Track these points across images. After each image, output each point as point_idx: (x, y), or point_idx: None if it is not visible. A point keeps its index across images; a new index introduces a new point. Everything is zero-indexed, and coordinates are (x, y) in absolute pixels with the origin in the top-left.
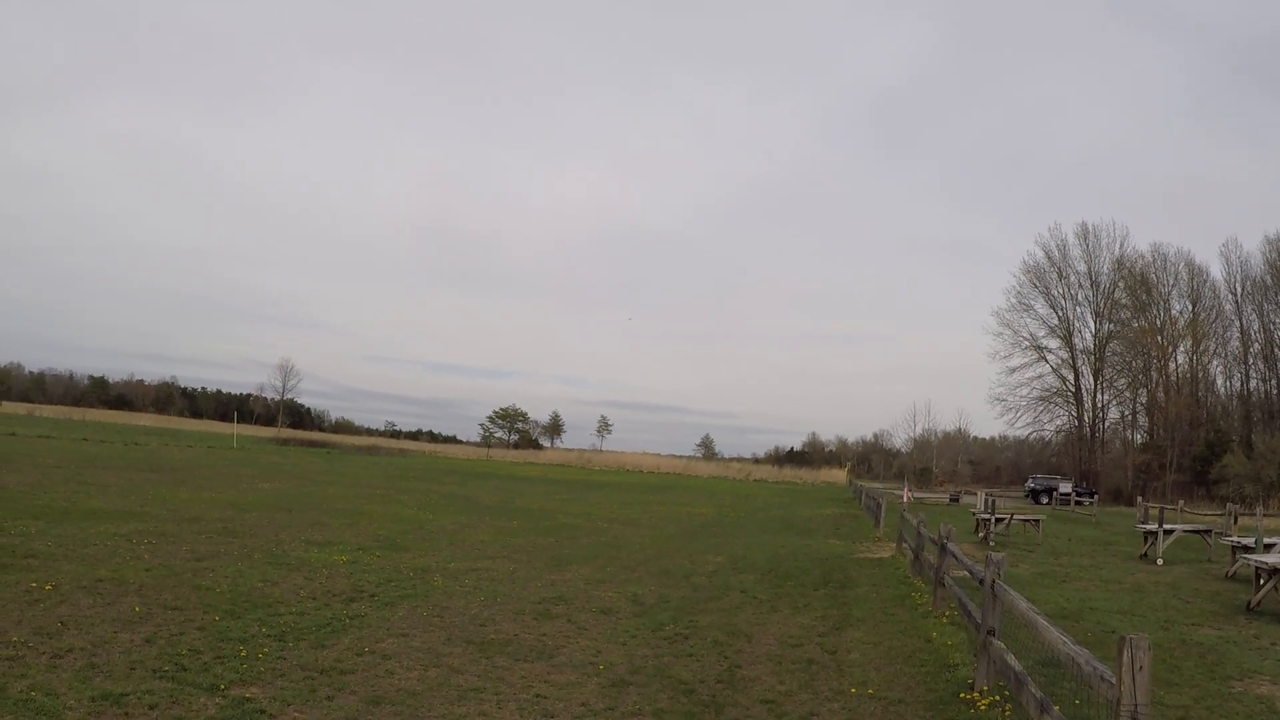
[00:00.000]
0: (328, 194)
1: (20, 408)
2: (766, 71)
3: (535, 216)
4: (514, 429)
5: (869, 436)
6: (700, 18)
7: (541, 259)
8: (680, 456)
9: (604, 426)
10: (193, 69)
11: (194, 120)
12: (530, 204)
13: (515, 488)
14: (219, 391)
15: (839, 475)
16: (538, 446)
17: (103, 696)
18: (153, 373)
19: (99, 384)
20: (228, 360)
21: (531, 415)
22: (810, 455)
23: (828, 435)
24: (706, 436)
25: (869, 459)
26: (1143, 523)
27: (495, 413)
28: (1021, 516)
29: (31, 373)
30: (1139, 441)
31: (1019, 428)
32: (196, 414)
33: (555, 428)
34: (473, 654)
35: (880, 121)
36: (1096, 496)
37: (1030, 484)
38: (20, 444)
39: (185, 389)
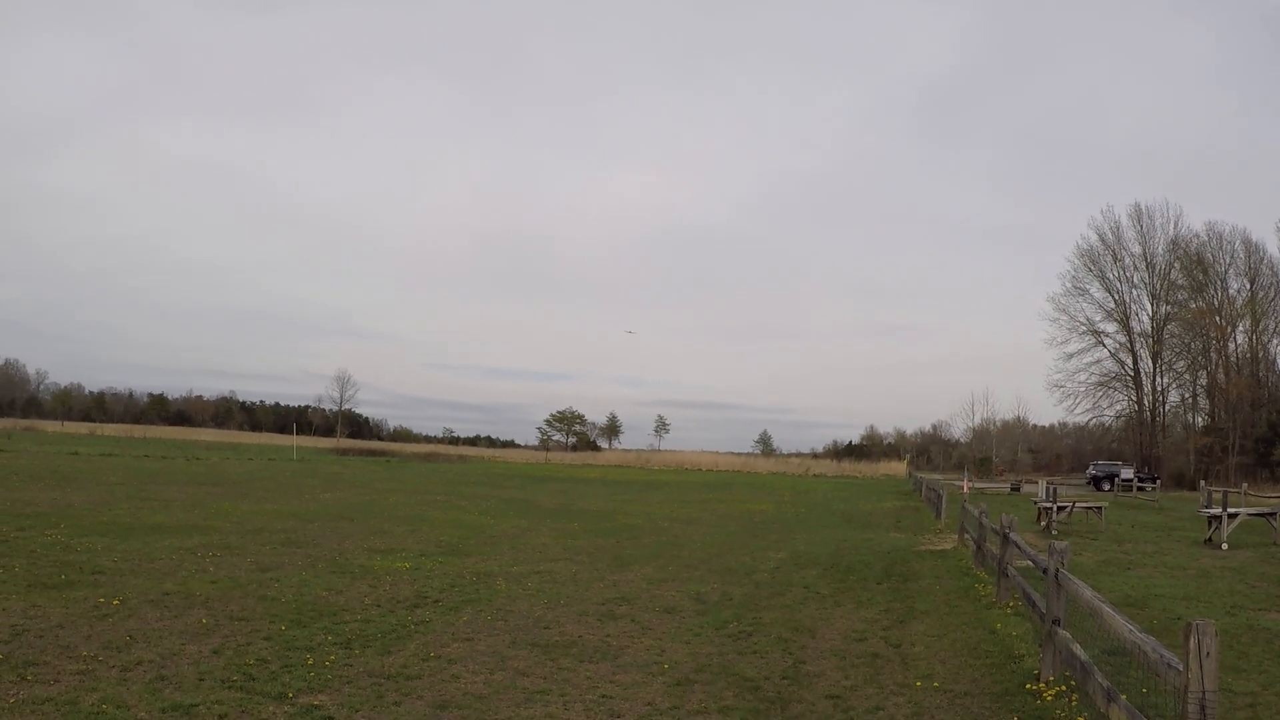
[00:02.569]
0: (381, 205)
1: (82, 427)
2: (812, 65)
3: (588, 219)
4: (572, 432)
5: (927, 428)
6: (743, 14)
7: (595, 261)
8: (738, 454)
9: (661, 426)
10: (243, 88)
11: (246, 138)
12: (583, 207)
13: (575, 490)
14: (277, 404)
15: (898, 468)
16: (596, 448)
17: (173, 708)
18: (211, 388)
19: (159, 401)
20: (285, 373)
21: (589, 417)
22: (869, 448)
23: (886, 428)
24: (764, 433)
25: (928, 450)
26: (1206, 507)
27: (553, 416)
28: (1083, 504)
29: (92, 393)
30: (1200, 424)
31: (1078, 414)
32: (256, 427)
33: (613, 429)
34: (537, 656)
35: (926, 110)
36: (1159, 481)
37: (1091, 471)
38: (84, 463)
39: (244, 403)
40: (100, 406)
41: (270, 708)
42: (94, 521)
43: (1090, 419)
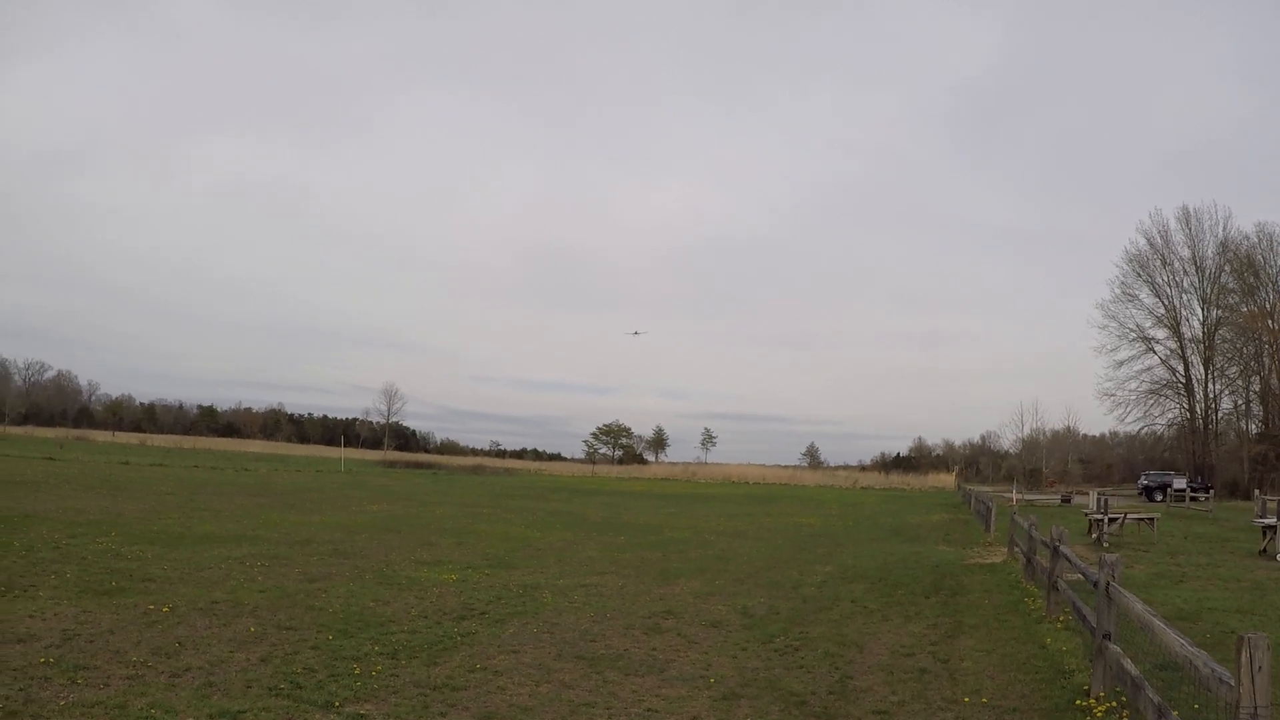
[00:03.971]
0: (426, 219)
1: (133, 438)
2: (851, 73)
3: (631, 230)
4: (618, 445)
5: (976, 439)
6: (782, 24)
7: (639, 272)
8: (785, 466)
9: (708, 439)
10: (288, 104)
11: (292, 154)
12: (626, 218)
13: (621, 503)
14: (325, 417)
15: (947, 479)
16: (642, 461)
17: (220, 714)
18: (260, 400)
19: (208, 413)
20: (333, 386)
21: (635, 430)
22: (917, 460)
23: (934, 439)
24: (811, 445)
25: (977, 462)
26: (1261, 517)
27: (599, 429)
28: (1135, 515)
29: (142, 404)
30: (1254, 431)
31: (1129, 423)
32: (304, 439)
33: (659, 442)
34: (583, 669)
35: (967, 115)
36: (1212, 491)
37: (1143, 481)
38: (134, 472)
39: (292, 415)
40: (150, 418)
41: (317, 716)
42: (144, 530)
43: (1141, 428)
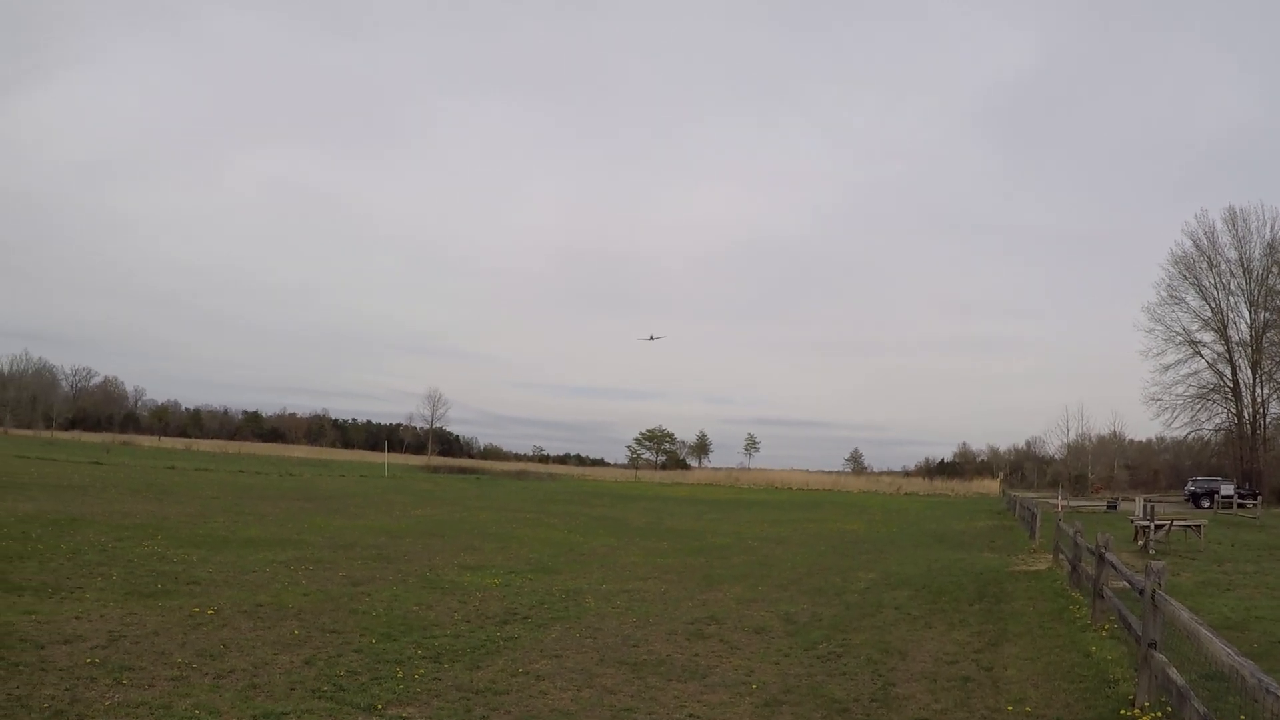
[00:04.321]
0: (468, 226)
1: (179, 443)
2: (893, 74)
3: (673, 235)
4: (661, 450)
5: (1021, 444)
6: (822, 25)
7: (682, 279)
8: (829, 472)
9: (751, 444)
10: (333, 115)
11: (335, 162)
12: (668, 223)
13: (664, 509)
14: (369, 422)
15: (991, 485)
16: (685, 467)
17: (264, 715)
18: (304, 406)
19: (253, 418)
20: (377, 392)
21: (678, 436)
22: (961, 466)
23: (979, 444)
24: (855, 450)
25: (1022, 467)
26: None
27: (642, 434)
28: (1182, 522)
29: (188, 409)
30: None
31: (1176, 428)
32: (348, 444)
33: (702, 447)
34: (626, 674)
35: (1009, 116)
36: (1260, 498)
37: (1190, 487)
38: (180, 477)
39: (336, 421)
40: (196, 423)
41: (359, 718)
42: (190, 534)
43: (1188, 433)
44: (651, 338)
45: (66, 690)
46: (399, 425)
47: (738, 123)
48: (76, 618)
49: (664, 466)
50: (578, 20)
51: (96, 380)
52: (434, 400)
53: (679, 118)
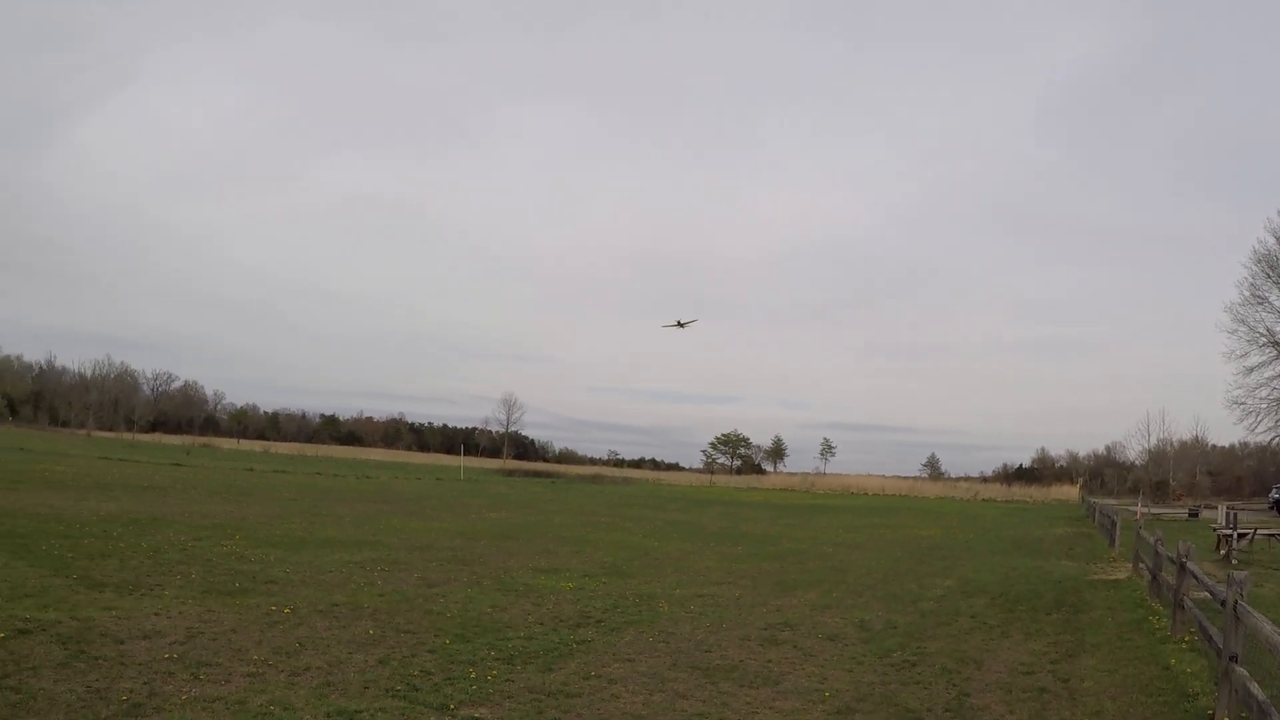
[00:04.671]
0: (543, 231)
1: (257, 445)
2: (966, 73)
3: (745, 238)
4: (736, 454)
5: (1100, 449)
6: (889, 23)
7: (754, 281)
8: (905, 477)
9: (827, 449)
10: (407, 124)
11: (407, 170)
12: (740, 226)
13: (739, 513)
14: (445, 426)
15: (1070, 492)
16: (760, 471)
17: (337, 713)
18: (381, 410)
19: (330, 422)
20: (453, 396)
21: (753, 440)
22: (1040, 472)
23: (1057, 450)
24: (932, 455)
25: (1101, 474)
26: None
27: (717, 439)
28: (1266, 531)
29: (267, 413)
30: None
31: (1260, 433)
32: (424, 448)
33: (778, 452)
34: (698, 679)
35: (1086, 110)
36: None
37: (1274, 495)
38: (258, 479)
39: (413, 424)
40: (274, 426)
41: (432, 718)
42: (268, 534)
43: (1273, 438)
44: (680, 324)
45: (145, 684)
46: (475, 429)
47: (806, 123)
48: (156, 614)
49: (739, 471)
50: (642, 26)
51: (177, 384)
52: (509, 404)
53: (745, 119)
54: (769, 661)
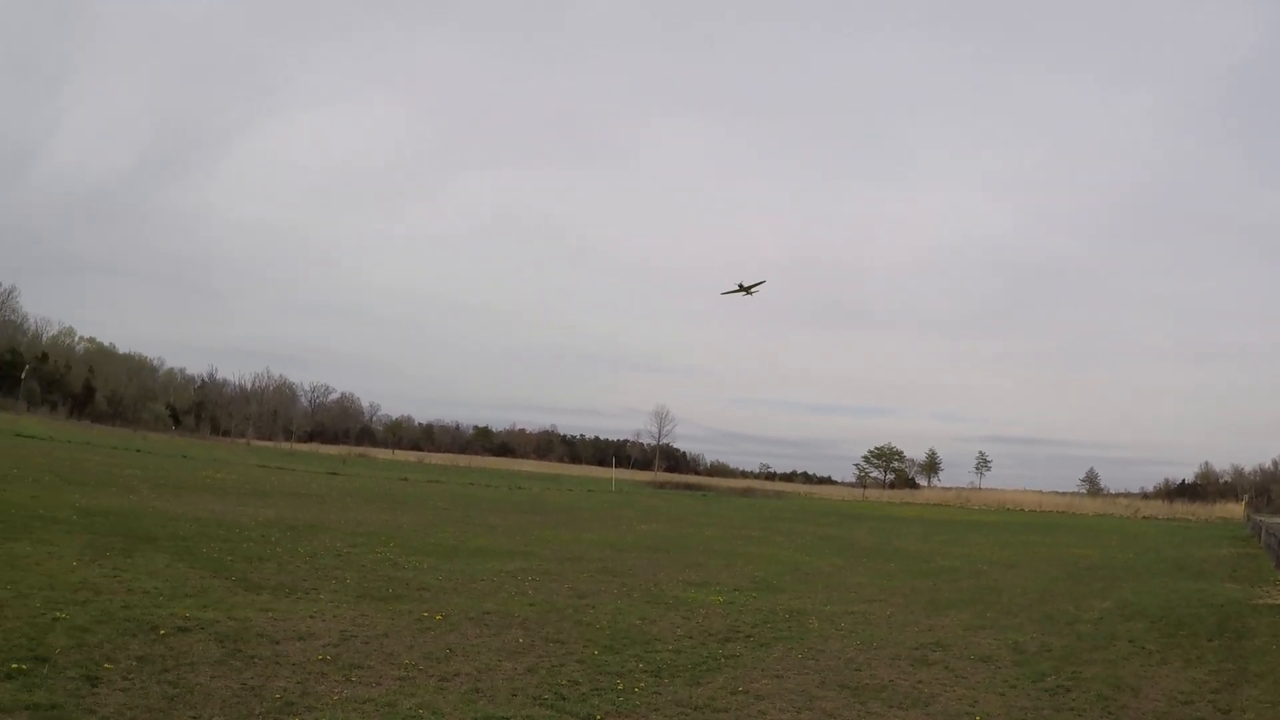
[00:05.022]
0: (690, 243)
1: (411, 455)
2: (1114, 67)
3: (896, 247)
4: (889, 468)
5: (1268, 464)
6: (1039, 25)
7: (906, 291)
8: (1063, 493)
9: (982, 463)
10: (553, 140)
11: (558, 186)
12: (891, 235)
13: (891, 529)
14: (597, 438)
15: (1235, 510)
16: (914, 486)
17: (485, 719)
18: (534, 422)
19: (483, 433)
20: (605, 408)
21: (907, 454)
22: (1203, 488)
23: (1222, 464)
24: (1090, 471)
25: (1269, 490)
26: None
27: (870, 452)
28: None
29: (421, 424)
30: None
31: None
32: (576, 459)
33: (932, 466)
34: (846, 699)
35: (1242, 104)
36: None
37: None
38: (412, 488)
39: (565, 436)
40: (429, 437)
41: None
42: (421, 542)
43: None
44: (741, 286)
45: (298, 683)
46: (626, 441)
47: (953, 129)
48: (311, 617)
49: (892, 485)
50: (786, 36)
51: (334, 396)
52: (661, 417)
53: (893, 125)
54: (919, 683)
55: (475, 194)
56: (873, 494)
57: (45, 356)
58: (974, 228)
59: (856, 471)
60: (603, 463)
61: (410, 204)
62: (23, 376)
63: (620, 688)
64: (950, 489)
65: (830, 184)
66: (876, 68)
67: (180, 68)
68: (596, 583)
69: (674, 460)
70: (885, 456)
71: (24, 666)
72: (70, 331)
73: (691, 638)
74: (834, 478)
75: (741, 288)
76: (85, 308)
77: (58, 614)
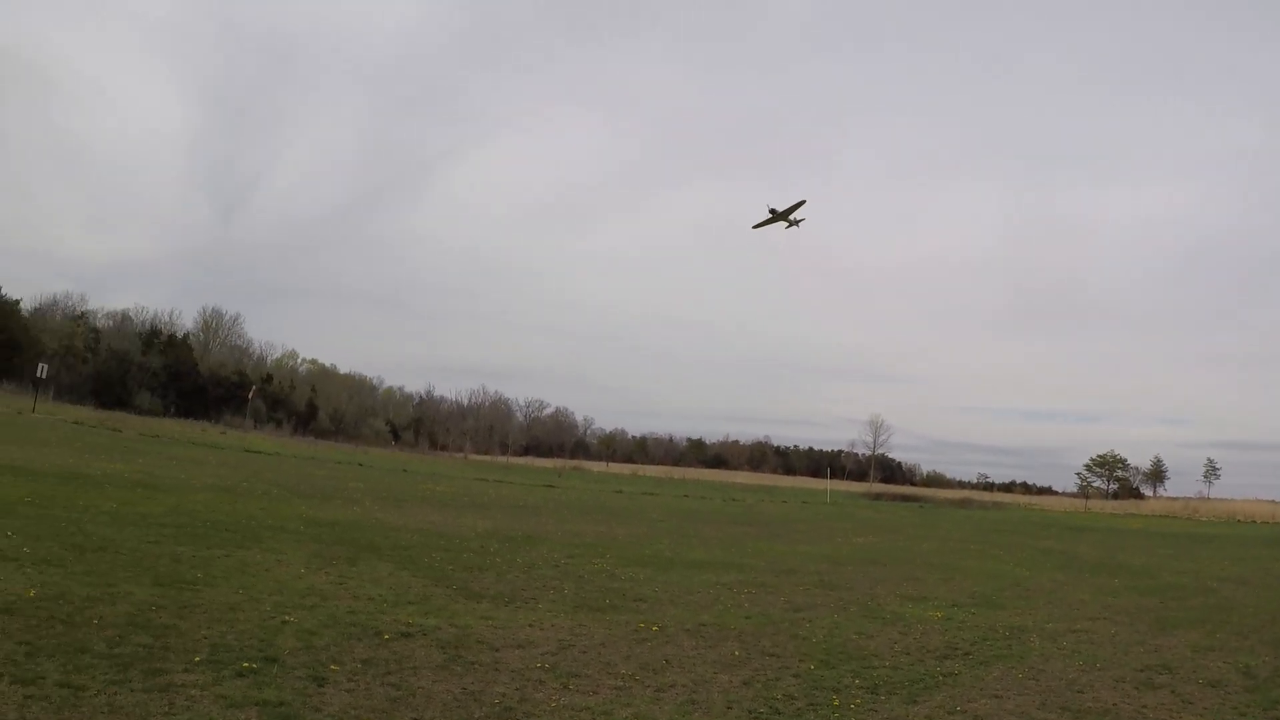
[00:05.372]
0: (900, 247)
1: (625, 468)
2: None
3: (1112, 244)
4: (1112, 477)
5: None
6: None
7: (1124, 290)
8: None
9: (1210, 471)
10: (747, 148)
11: (759, 194)
12: (1105, 231)
13: (1116, 542)
14: (810, 449)
15: None
16: (1138, 495)
17: None
18: (746, 433)
19: (697, 445)
20: (817, 418)
21: (1130, 461)
22: None
23: None
24: None
25: None
26: None
27: (1092, 460)
28: None
29: (634, 437)
30: None
31: None
32: (790, 471)
33: (1157, 474)
34: None
35: None
36: None
37: None
38: (627, 500)
39: (778, 447)
40: (642, 450)
41: None
42: (637, 554)
43: None
44: (775, 212)
45: (516, 690)
46: (840, 451)
47: (1172, 119)
48: (529, 625)
49: (1115, 495)
50: (986, 29)
51: (548, 411)
52: (875, 426)
53: (1101, 113)
54: (1144, 707)
55: (680, 206)
56: (1095, 504)
57: (270, 378)
58: (1195, 220)
59: (1078, 481)
60: (817, 474)
61: (616, 219)
62: (250, 396)
63: (836, 704)
64: (1177, 499)
65: (1049, 187)
66: (1083, 58)
67: (387, 101)
68: (812, 596)
69: (889, 470)
70: (1108, 465)
71: (255, 665)
72: (293, 354)
73: (909, 654)
74: (1054, 488)
75: (775, 214)
76: (306, 331)
77: (287, 617)
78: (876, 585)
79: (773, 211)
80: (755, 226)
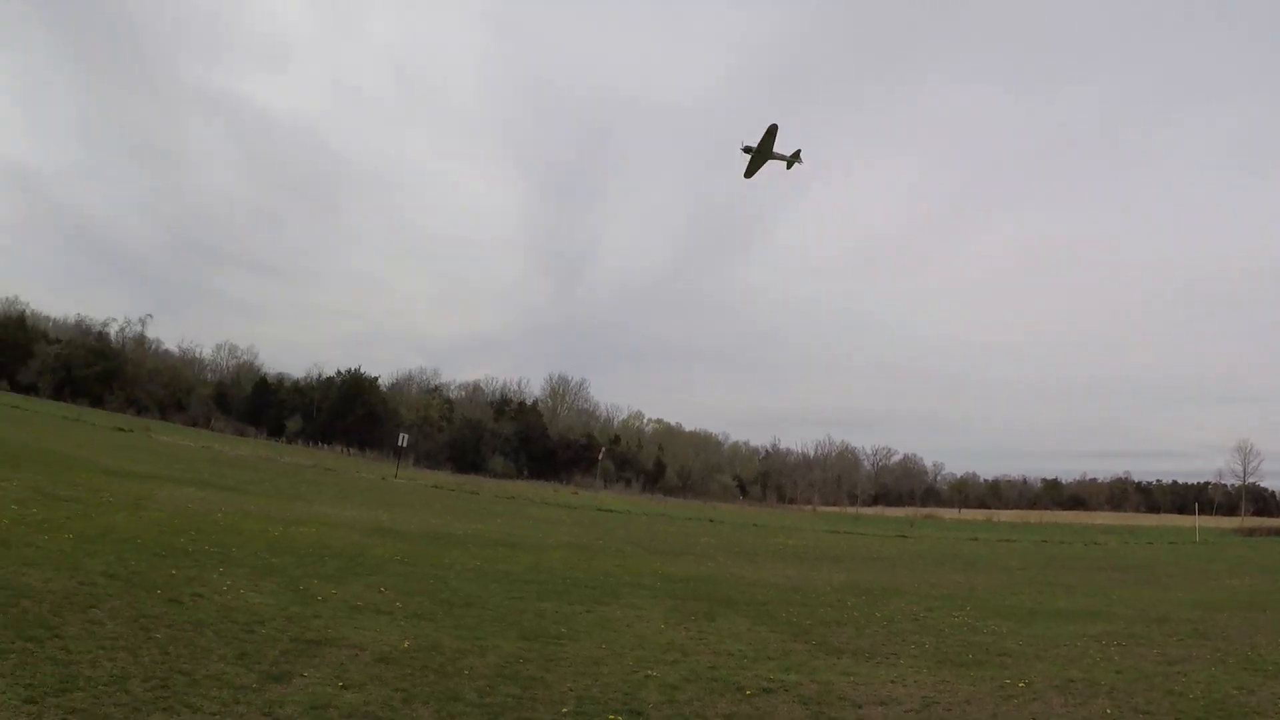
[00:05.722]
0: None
1: (979, 514)
2: None
3: None
4: None
5: None
6: None
7: None
8: None
9: None
10: (1062, 165)
11: (1075, 212)
12: None
13: None
14: (1175, 482)
15: None
16: None
17: None
18: (1105, 469)
19: (1052, 486)
20: (1182, 448)
21: None
22: None
23: None
24: None
25: None
26: None
27: None
28: None
29: (986, 480)
30: None
31: None
32: (1153, 508)
33: None
34: None
35: None
36: None
37: None
38: (983, 548)
39: (1139, 483)
40: (995, 493)
41: None
42: (997, 604)
43: None
44: (748, 150)
45: None
46: (1207, 483)
47: None
48: (891, 681)
49: None
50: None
51: (896, 458)
52: (1244, 453)
53: None
54: None
55: (995, 233)
56: None
57: (618, 438)
58: None
59: None
60: (1182, 509)
61: (936, 255)
62: (599, 457)
63: None
64: None
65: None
66: None
67: (700, 159)
68: (1186, 647)
69: (1262, 501)
70: None
71: (620, 718)
72: (639, 415)
73: None
74: None
75: (752, 150)
76: (650, 391)
77: (649, 672)
78: (1256, 634)
79: (748, 150)
80: (746, 176)
